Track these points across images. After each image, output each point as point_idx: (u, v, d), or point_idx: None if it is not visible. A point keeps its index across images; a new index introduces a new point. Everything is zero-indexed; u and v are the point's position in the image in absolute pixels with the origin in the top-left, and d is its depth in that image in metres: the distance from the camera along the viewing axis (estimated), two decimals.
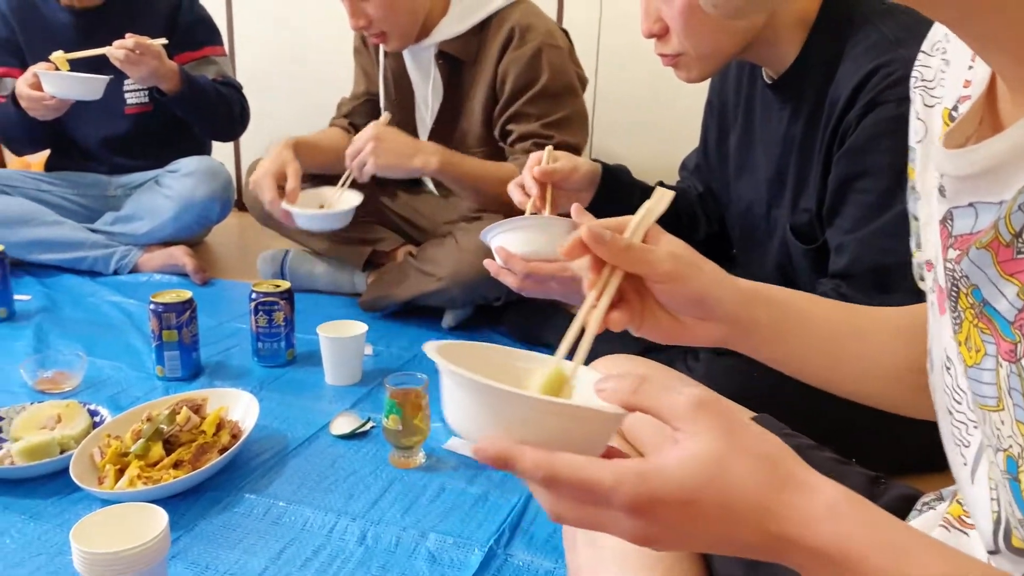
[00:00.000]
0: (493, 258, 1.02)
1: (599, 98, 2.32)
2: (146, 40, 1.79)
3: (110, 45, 1.81)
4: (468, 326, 1.70)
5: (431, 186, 1.92)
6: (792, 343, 0.63)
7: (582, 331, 0.58)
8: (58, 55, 1.81)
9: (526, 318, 1.63)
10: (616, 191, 1.22)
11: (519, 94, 1.62)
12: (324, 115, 1.94)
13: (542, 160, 1.10)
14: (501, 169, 1.60)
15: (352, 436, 1.22)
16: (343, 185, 1.61)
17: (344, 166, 1.59)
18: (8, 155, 3.06)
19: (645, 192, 1.31)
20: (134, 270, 1.97)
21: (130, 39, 1.76)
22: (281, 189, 1.58)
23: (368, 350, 1.52)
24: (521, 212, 1.09)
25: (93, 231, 1.99)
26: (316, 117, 1.92)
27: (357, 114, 1.86)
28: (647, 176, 1.32)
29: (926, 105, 0.54)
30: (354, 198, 1.61)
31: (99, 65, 1.81)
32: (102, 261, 1.95)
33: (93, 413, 1.18)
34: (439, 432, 1.23)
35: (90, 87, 1.80)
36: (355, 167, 1.54)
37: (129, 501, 0.95)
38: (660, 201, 0.62)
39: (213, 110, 1.99)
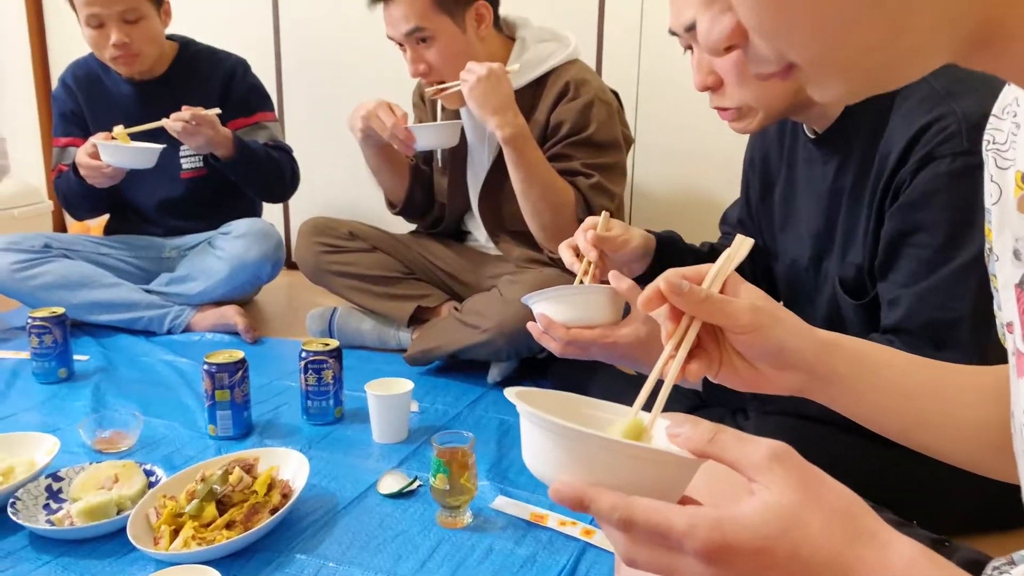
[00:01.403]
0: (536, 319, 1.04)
1: (636, 152, 2.35)
2: (201, 111, 1.87)
3: (169, 114, 1.89)
4: (513, 380, 1.70)
5: (480, 239, 1.94)
6: (871, 396, 0.62)
7: (660, 381, 0.58)
8: (119, 130, 1.89)
9: (572, 372, 1.62)
10: (671, 259, 1.22)
11: (566, 138, 1.67)
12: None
13: (598, 224, 1.12)
14: (561, 180, 1.62)
15: (400, 495, 1.22)
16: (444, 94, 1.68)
17: None
18: (69, 219, 3.19)
19: (698, 256, 1.32)
20: (187, 329, 2.02)
21: (187, 111, 1.85)
22: None
23: (414, 407, 1.53)
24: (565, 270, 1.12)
25: (148, 292, 2.05)
26: (365, 178, 1.97)
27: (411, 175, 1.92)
28: (684, 230, 1.33)
29: (999, 167, 0.54)
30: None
31: (158, 133, 1.89)
32: (157, 321, 2.01)
33: (149, 473, 1.21)
34: (486, 491, 1.22)
35: (144, 157, 1.88)
36: (460, 78, 1.57)
37: (183, 563, 0.97)
38: (740, 248, 0.62)
39: (265, 174, 2.06)
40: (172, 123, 1.85)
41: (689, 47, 1.09)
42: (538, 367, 1.69)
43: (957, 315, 0.93)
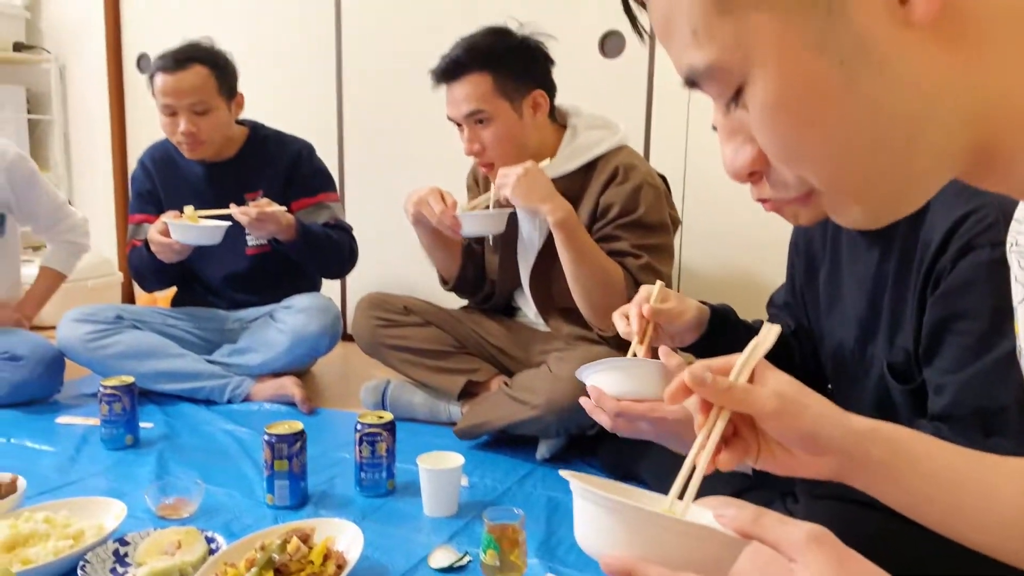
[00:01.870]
0: (588, 394, 1.08)
1: (684, 234, 2.40)
2: (267, 208, 1.98)
3: (238, 194, 2.02)
4: (562, 458, 1.71)
5: (530, 315, 1.98)
6: (909, 484, 0.64)
7: (693, 469, 0.61)
8: (189, 211, 2.02)
9: (621, 452, 1.63)
10: (723, 332, 1.26)
11: (615, 220, 1.73)
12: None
13: (652, 295, 1.16)
14: (610, 261, 1.68)
15: (450, 570, 1.24)
16: (489, 202, 1.79)
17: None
18: (138, 290, 3.34)
19: (750, 331, 1.35)
20: (246, 399, 2.10)
21: (253, 208, 1.97)
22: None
23: (464, 481, 1.55)
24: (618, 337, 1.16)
25: (211, 362, 2.14)
26: (419, 256, 2.05)
27: (462, 255, 1.99)
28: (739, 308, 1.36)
29: (1022, 268, 0.57)
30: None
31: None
32: (218, 391, 2.09)
33: (210, 540, 1.25)
34: (535, 568, 1.23)
35: (210, 234, 2.01)
36: (497, 184, 1.68)
37: None
38: (767, 337, 0.65)
39: (324, 254, 2.17)
40: (239, 216, 1.97)
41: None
42: (587, 444, 1.71)
43: (1004, 402, 0.94)
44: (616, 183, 1.74)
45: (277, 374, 2.14)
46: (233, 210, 1.98)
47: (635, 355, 1.12)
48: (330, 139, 2.90)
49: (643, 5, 0.45)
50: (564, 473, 0.63)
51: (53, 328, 2.29)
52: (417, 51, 2.74)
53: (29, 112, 3.36)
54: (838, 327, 1.25)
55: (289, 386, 2.07)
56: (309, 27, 2.92)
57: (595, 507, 0.58)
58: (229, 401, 2.09)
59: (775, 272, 1.46)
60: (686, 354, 1.18)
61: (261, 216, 1.97)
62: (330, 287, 2.72)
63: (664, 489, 0.61)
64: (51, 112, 3.38)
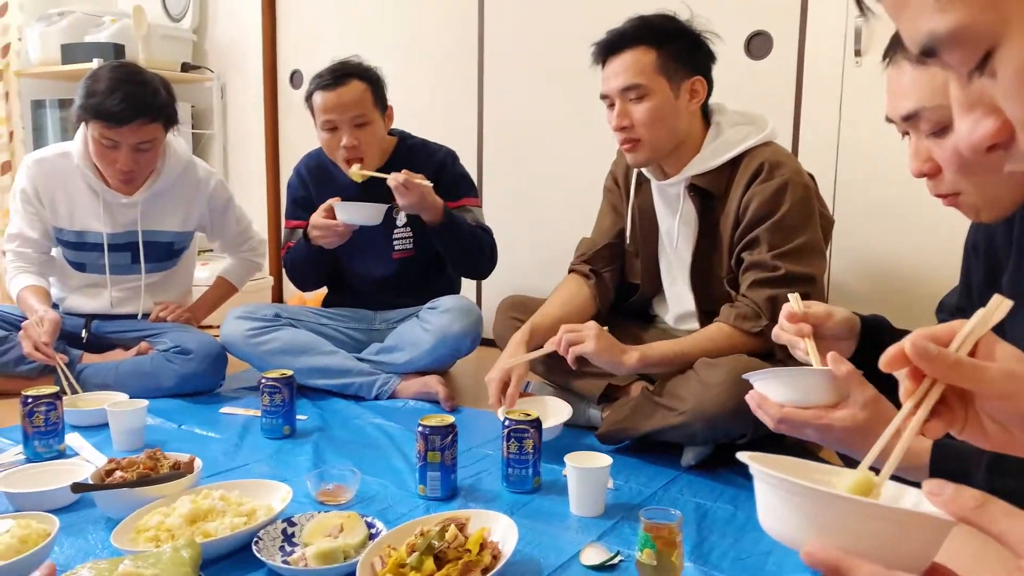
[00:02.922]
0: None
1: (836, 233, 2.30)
2: (414, 177, 2.07)
3: (387, 201, 2.11)
4: (708, 465, 1.68)
5: (669, 321, 1.96)
6: None
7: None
8: (355, 169, 2.17)
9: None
10: (879, 341, 1.20)
11: (758, 223, 1.68)
12: (561, 257, 2.08)
13: (792, 302, 1.14)
14: (703, 336, 1.69)
15: (602, 568, 1.24)
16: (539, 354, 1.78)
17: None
18: (286, 294, 3.53)
19: None
20: (392, 396, 2.17)
21: (404, 174, 2.05)
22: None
23: (609, 483, 1.54)
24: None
25: (360, 360, 2.23)
26: (555, 261, 2.06)
27: (598, 259, 1.99)
28: (887, 315, 1.29)
29: None
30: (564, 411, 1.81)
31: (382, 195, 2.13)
32: (366, 387, 2.18)
33: (370, 525, 1.30)
34: (690, 572, 1.21)
35: (372, 214, 2.13)
36: (565, 341, 1.67)
37: None
38: (998, 309, 0.61)
39: (468, 245, 2.22)
40: (395, 177, 2.05)
41: (906, 133, 1.09)
42: (736, 453, 1.66)
43: None
44: (760, 180, 1.68)
45: (421, 372, 2.20)
46: (390, 176, 2.07)
47: (806, 352, 1.08)
48: (470, 147, 2.98)
49: None
50: (743, 456, 0.62)
51: (215, 327, 2.46)
52: (557, 61, 2.79)
53: (193, 127, 3.63)
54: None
55: (433, 384, 2.13)
56: (451, 38, 3.02)
57: (787, 495, 0.56)
58: (376, 397, 2.17)
59: (934, 279, 1.38)
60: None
61: (408, 183, 2.04)
62: (466, 292, 2.79)
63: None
64: (212, 127, 3.64)
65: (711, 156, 1.74)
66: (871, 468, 0.59)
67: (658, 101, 1.70)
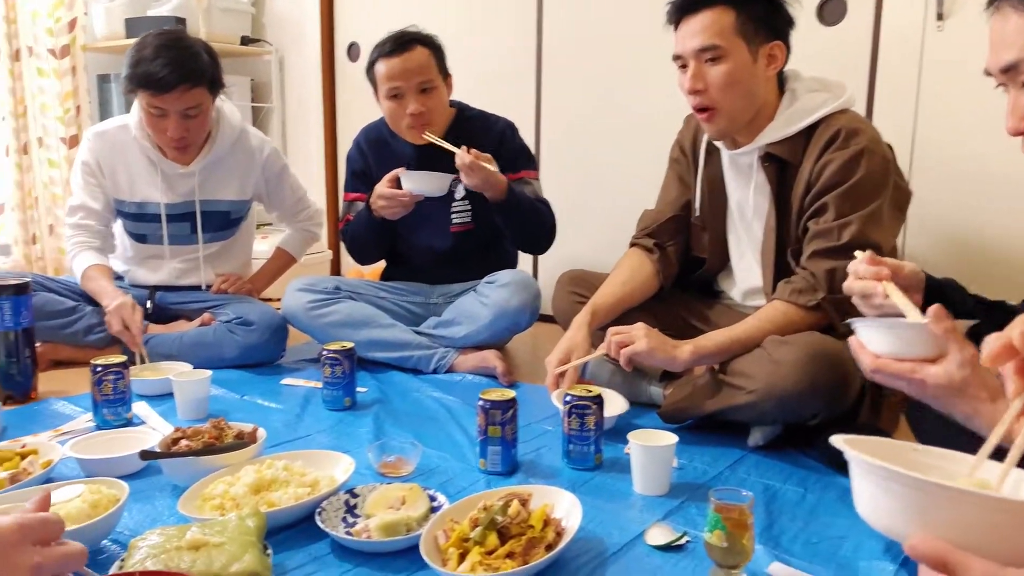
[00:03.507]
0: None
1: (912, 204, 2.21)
2: (480, 158, 2.05)
3: (447, 172, 2.08)
4: (775, 446, 1.63)
5: (736, 297, 1.89)
6: None
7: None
8: (426, 135, 2.17)
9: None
10: (948, 297, 1.17)
11: (828, 190, 1.61)
12: (619, 231, 2.03)
13: (861, 257, 1.16)
14: (759, 319, 1.63)
15: (668, 548, 1.21)
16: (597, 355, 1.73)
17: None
18: (344, 268, 3.55)
19: (984, 305, 1.22)
20: (450, 370, 2.16)
21: (471, 156, 2.03)
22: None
23: (673, 462, 1.51)
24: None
25: (418, 333, 2.23)
26: (612, 236, 2.01)
27: (662, 233, 1.93)
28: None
29: None
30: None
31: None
32: (424, 360, 2.17)
33: (432, 498, 1.29)
34: (759, 555, 1.17)
35: (438, 183, 2.11)
36: (615, 344, 1.62)
37: None
38: None
39: (529, 219, 2.19)
40: (460, 157, 2.03)
41: (1003, 85, 1.03)
42: (805, 435, 1.60)
43: None
44: (835, 148, 1.61)
45: (479, 347, 2.19)
46: (458, 152, 2.04)
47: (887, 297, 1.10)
48: (528, 117, 2.93)
49: None
50: (837, 440, 0.58)
51: (275, 300, 2.48)
52: (619, 27, 2.72)
53: (253, 101, 3.66)
54: None
55: (491, 358, 2.12)
56: (510, 6, 2.96)
57: (891, 484, 0.52)
58: (434, 371, 2.17)
59: (1016, 251, 1.30)
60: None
61: (474, 165, 2.02)
62: (522, 266, 2.76)
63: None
64: (271, 100, 3.66)
65: (786, 124, 1.67)
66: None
67: (735, 64, 1.62)
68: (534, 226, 2.22)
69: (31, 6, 3.22)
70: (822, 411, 1.50)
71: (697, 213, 1.88)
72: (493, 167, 2.07)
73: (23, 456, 1.42)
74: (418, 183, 2.11)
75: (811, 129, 1.66)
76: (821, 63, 2.22)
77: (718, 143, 1.79)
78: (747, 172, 1.75)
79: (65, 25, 3.27)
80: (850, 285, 1.16)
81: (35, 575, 0.69)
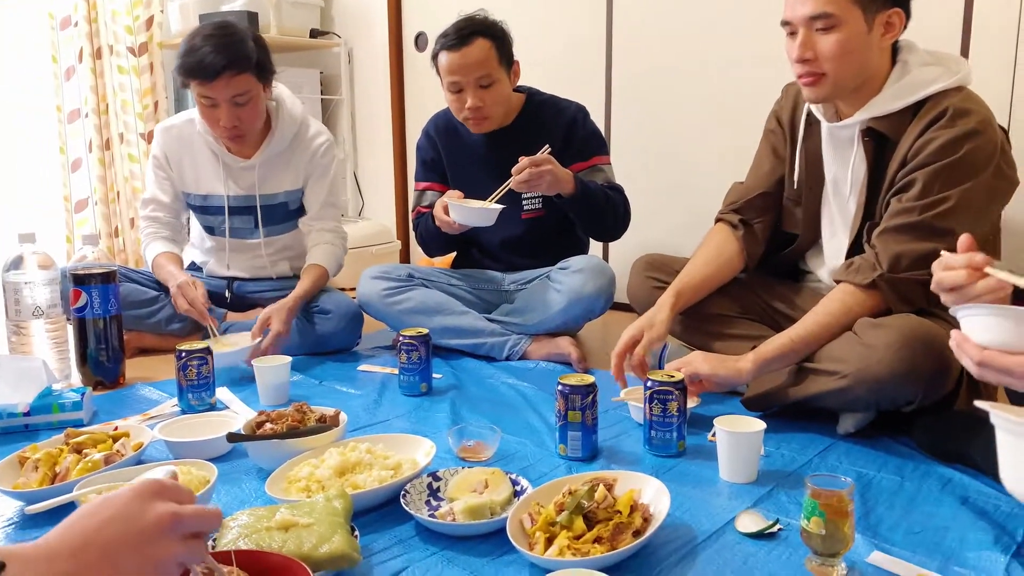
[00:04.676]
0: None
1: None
2: (538, 157, 2.00)
3: (516, 160, 2.05)
4: (866, 433, 1.56)
5: (824, 278, 1.81)
6: None
7: None
8: (454, 196, 2.16)
9: (945, 433, 1.44)
10: None
11: (921, 167, 1.51)
12: (694, 215, 1.97)
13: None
14: (818, 312, 1.58)
15: (760, 536, 1.17)
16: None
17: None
18: (413, 257, 3.57)
19: None
20: (523, 357, 2.15)
21: (524, 161, 1.99)
22: None
23: (760, 450, 1.46)
24: None
25: (490, 320, 2.22)
26: (687, 220, 1.96)
27: (750, 208, 1.86)
28: None
29: None
30: None
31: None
32: (497, 347, 2.16)
33: (514, 482, 1.27)
34: (858, 544, 1.12)
35: (484, 216, 2.08)
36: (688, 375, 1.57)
37: (562, 569, 1.00)
38: None
39: (602, 212, 2.15)
40: (518, 182, 2.01)
41: None
42: (899, 421, 1.54)
43: None
44: (939, 126, 1.50)
45: (552, 334, 2.17)
46: (512, 182, 2.03)
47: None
48: (598, 100, 2.89)
49: None
50: (983, 404, 0.54)
51: (350, 288, 2.50)
52: (689, 6, 2.65)
53: (322, 93, 3.70)
54: None
55: (565, 345, 2.09)
56: None
57: None
58: (507, 358, 2.16)
59: None
60: None
61: (533, 176, 1.99)
62: (593, 251, 2.73)
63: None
64: (340, 92, 3.70)
65: (893, 97, 1.57)
66: None
67: (849, 33, 1.52)
68: (606, 217, 2.18)
69: (111, 5, 3.32)
70: (919, 397, 1.43)
71: (795, 187, 1.80)
72: (551, 164, 2.02)
73: (115, 439, 1.47)
74: (465, 216, 2.09)
75: (918, 105, 1.56)
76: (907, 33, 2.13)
77: (818, 115, 1.72)
78: (847, 146, 1.66)
79: (143, 23, 3.36)
80: (940, 278, 1.06)
81: (174, 522, 0.70)
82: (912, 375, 1.40)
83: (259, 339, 2.06)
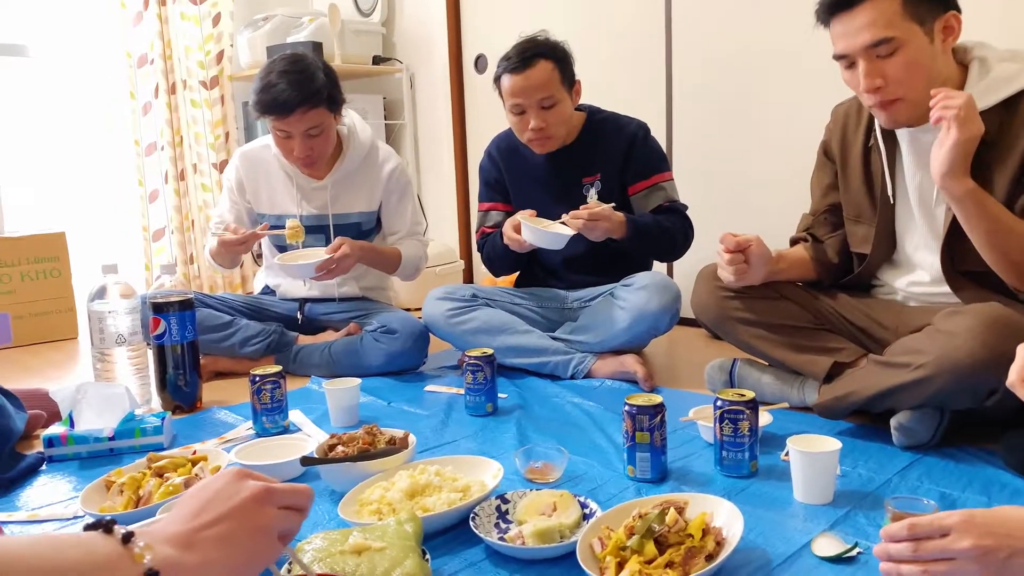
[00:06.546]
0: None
1: None
2: (595, 210, 2.03)
3: (578, 179, 2.06)
4: (946, 450, 1.50)
5: (900, 286, 1.75)
6: None
7: None
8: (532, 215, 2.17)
9: None
10: None
11: None
12: (761, 228, 1.93)
13: None
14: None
15: (838, 560, 1.13)
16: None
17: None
18: (477, 277, 3.60)
19: None
20: (588, 375, 2.14)
21: (583, 211, 2.03)
22: None
23: (836, 469, 1.42)
24: None
25: (554, 339, 2.22)
26: (747, 230, 1.93)
27: (819, 226, 1.84)
28: None
29: None
30: None
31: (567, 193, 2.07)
32: (561, 366, 2.16)
33: (583, 505, 1.27)
34: None
35: (556, 240, 2.09)
36: (942, 106, 1.47)
37: None
38: None
39: (657, 243, 2.20)
40: (572, 222, 2.04)
41: None
42: (976, 435, 1.47)
43: None
44: None
45: (616, 352, 2.15)
46: (565, 221, 2.06)
47: None
48: (659, 117, 2.88)
49: None
50: None
51: (416, 309, 2.53)
52: (753, 13, 2.62)
53: (386, 118, 3.78)
54: None
55: (631, 363, 2.08)
56: (639, 5, 2.92)
57: None
58: (572, 376, 2.15)
59: None
60: None
61: (592, 219, 2.02)
62: (656, 268, 2.71)
63: None
64: (403, 116, 3.77)
65: (981, 96, 1.50)
66: None
67: (913, 50, 1.49)
68: (661, 246, 2.22)
69: (184, 42, 3.46)
70: (1001, 385, 1.37)
71: (855, 210, 1.77)
72: (601, 207, 2.05)
73: (194, 463, 1.51)
74: (538, 238, 2.10)
75: (1009, 101, 1.50)
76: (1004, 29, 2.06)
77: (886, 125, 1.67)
78: (927, 153, 1.61)
79: (214, 57, 3.50)
80: None
81: (268, 493, 0.74)
82: (993, 360, 1.35)
83: (329, 256, 2.18)
